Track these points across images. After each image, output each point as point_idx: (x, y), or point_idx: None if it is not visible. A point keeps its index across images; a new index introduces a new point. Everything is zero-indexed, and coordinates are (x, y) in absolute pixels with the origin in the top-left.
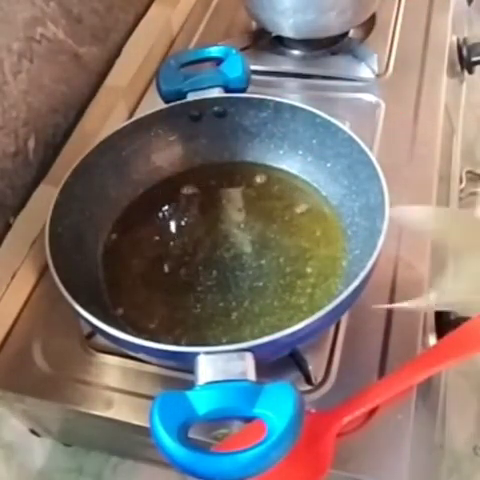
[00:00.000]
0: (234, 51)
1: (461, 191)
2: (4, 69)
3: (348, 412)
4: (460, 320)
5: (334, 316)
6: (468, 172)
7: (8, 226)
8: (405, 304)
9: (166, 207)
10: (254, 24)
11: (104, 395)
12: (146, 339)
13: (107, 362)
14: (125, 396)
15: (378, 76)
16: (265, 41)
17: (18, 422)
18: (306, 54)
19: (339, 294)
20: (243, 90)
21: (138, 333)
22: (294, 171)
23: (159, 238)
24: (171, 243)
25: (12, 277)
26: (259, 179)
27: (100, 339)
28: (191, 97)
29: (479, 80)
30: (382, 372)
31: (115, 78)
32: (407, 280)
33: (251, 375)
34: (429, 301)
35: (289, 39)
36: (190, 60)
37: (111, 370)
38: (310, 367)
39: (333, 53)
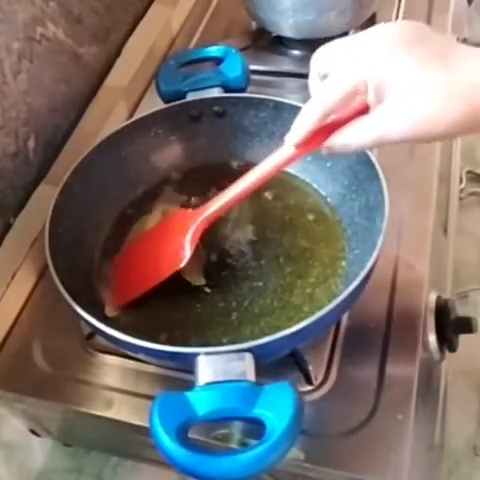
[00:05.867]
0: (234, 51)
1: (461, 191)
2: (4, 69)
3: (207, 209)
4: (460, 320)
5: (334, 316)
6: (468, 172)
7: (8, 226)
8: None
9: (166, 207)
10: (254, 24)
11: (104, 395)
12: (146, 340)
13: (107, 362)
14: (125, 396)
15: None
16: (265, 41)
17: (18, 422)
18: (306, 54)
19: (339, 294)
20: (243, 90)
21: (138, 334)
22: (294, 171)
23: None
24: None
25: (12, 277)
26: None
27: (100, 339)
28: (191, 97)
29: None
30: (382, 372)
31: (115, 78)
32: (407, 280)
33: (251, 375)
34: None
35: (289, 39)
36: (190, 60)
37: (111, 370)
38: (310, 367)
39: None
